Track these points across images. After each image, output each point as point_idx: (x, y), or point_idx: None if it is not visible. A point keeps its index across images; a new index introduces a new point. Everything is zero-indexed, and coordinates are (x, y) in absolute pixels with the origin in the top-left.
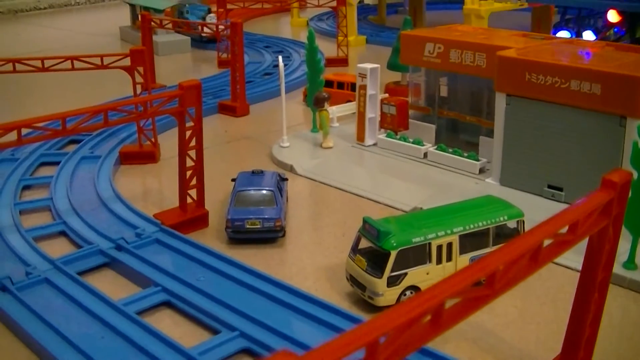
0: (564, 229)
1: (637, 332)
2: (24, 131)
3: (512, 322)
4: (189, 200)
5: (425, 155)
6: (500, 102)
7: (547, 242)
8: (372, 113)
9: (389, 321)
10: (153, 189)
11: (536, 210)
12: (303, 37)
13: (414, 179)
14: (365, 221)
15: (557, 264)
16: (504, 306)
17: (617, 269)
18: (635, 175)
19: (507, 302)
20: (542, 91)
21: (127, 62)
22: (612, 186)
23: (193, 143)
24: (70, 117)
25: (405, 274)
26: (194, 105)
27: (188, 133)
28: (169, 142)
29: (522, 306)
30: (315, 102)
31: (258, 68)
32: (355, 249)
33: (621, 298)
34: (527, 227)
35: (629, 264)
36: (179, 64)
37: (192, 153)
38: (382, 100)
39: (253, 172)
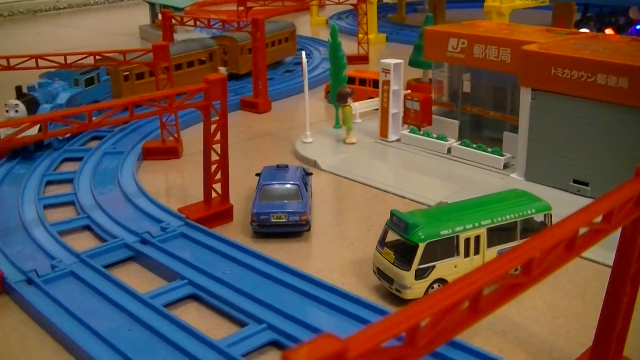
0: (599, 219)
1: None
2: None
3: (541, 316)
4: (213, 194)
5: (449, 150)
6: (526, 96)
7: (582, 232)
8: (396, 109)
9: (428, 307)
10: (176, 184)
11: (562, 205)
12: (322, 36)
13: (438, 174)
14: (393, 214)
15: (585, 258)
16: (533, 300)
17: None
18: None
19: (535, 296)
20: (568, 85)
21: (149, 58)
22: None
23: (218, 137)
24: (95, 111)
25: (433, 266)
26: (219, 98)
27: (213, 127)
28: (191, 138)
29: (551, 300)
30: (339, 98)
31: (279, 66)
32: (382, 242)
33: None
34: (553, 222)
35: None
36: None
37: (217, 148)
38: (405, 96)
39: (278, 166)
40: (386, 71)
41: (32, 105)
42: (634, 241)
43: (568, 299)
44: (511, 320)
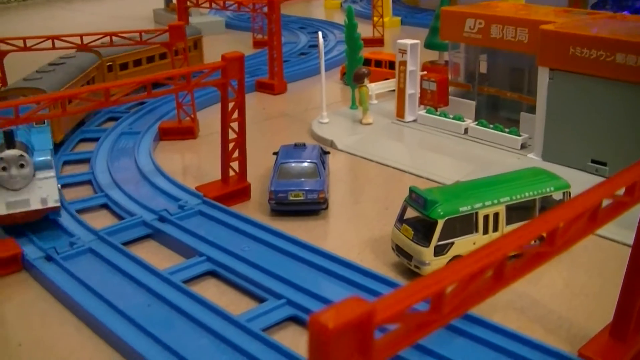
0: (621, 192)
1: None
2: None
3: (560, 293)
4: (231, 173)
5: (466, 131)
6: (543, 76)
7: (604, 205)
8: (412, 89)
9: (453, 273)
10: (193, 163)
11: (580, 185)
12: (337, 19)
13: (455, 154)
14: (412, 190)
15: (604, 237)
16: (551, 277)
17: None
18: None
19: (553, 273)
20: (587, 65)
21: (166, 38)
22: None
23: (235, 116)
24: (114, 88)
25: (452, 243)
26: (237, 77)
27: (230, 105)
28: (207, 120)
29: (569, 278)
30: (355, 78)
31: (294, 48)
32: (401, 219)
33: None
34: None
35: None
36: (214, 45)
37: (234, 126)
38: (422, 77)
39: (295, 144)
40: (403, 51)
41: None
42: None
43: (587, 277)
44: (530, 297)
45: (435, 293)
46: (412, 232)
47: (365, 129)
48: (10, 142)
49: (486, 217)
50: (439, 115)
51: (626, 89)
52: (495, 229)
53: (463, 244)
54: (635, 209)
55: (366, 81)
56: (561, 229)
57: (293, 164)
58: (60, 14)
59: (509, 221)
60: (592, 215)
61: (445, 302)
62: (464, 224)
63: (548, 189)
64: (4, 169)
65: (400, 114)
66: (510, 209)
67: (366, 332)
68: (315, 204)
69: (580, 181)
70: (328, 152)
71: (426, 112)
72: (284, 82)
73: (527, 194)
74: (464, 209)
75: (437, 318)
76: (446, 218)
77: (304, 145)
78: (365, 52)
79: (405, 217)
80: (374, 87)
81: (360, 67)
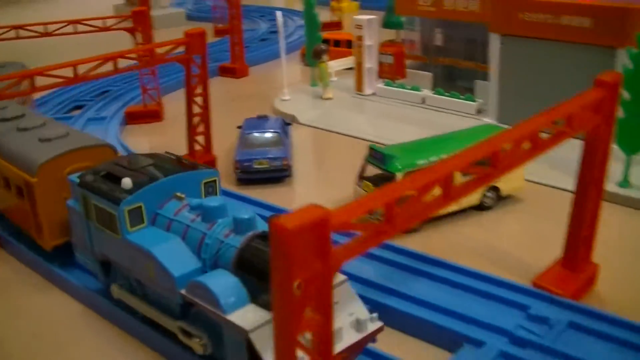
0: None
1: (633, 241)
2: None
3: (517, 238)
4: (197, 147)
5: (424, 100)
6: (495, 42)
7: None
8: (370, 63)
9: (404, 186)
10: (160, 143)
11: None
12: (297, 7)
13: (414, 122)
14: (371, 148)
15: (554, 187)
16: (509, 226)
17: (613, 187)
18: (627, 96)
19: (511, 222)
20: (535, 29)
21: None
22: (604, 85)
23: (199, 90)
24: (81, 65)
25: None
26: (200, 52)
27: (194, 81)
28: (172, 104)
29: (526, 225)
30: (314, 55)
31: (255, 34)
32: (361, 176)
33: (617, 213)
34: None
35: (624, 182)
36: (176, 37)
37: (199, 101)
38: (379, 51)
39: (259, 117)
40: (359, 27)
41: None
42: (595, 148)
43: (541, 222)
44: (491, 243)
45: (387, 203)
46: (373, 187)
47: (326, 104)
48: None
49: None
50: (397, 87)
51: (573, 49)
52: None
53: None
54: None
55: (325, 57)
56: (504, 153)
57: (257, 135)
58: (18, 16)
59: (465, 173)
60: (534, 142)
61: (397, 215)
62: None
63: None
64: None
65: (359, 87)
66: None
67: (322, 235)
68: (279, 171)
69: None
70: (289, 124)
71: (385, 85)
72: (245, 66)
73: None
74: (421, 162)
75: (389, 228)
76: (405, 171)
77: (267, 117)
78: (325, 33)
79: (365, 175)
80: (333, 65)
81: (319, 44)
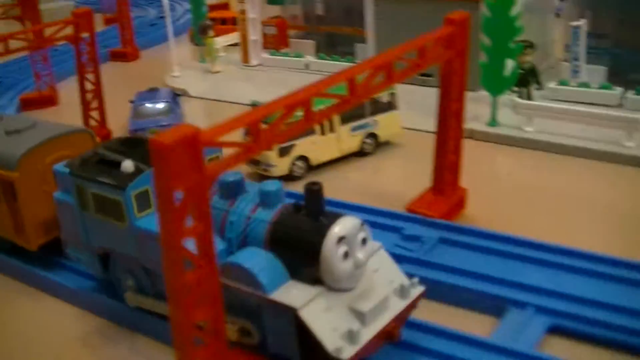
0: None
1: (500, 170)
2: None
3: (395, 177)
4: (92, 122)
5: (307, 66)
6: (369, 6)
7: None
8: (255, 35)
9: (268, 108)
10: None
11: (411, 95)
12: None
13: (299, 85)
14: (253, 103)
15: (429, 132)
16: (386, 167)
17: (483, 127)
18: (488, 41)
19: (388, 165)
20: None
21: None
22: (453, 22)
23: (91, 68)
24: None
25: (294, 145)
26: (88, 31)
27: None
28: (67, 89)
29: (402, 166)
30: (200, 31)
31: (144, 20)
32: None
33: (488, 149)
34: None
35: (492, 122)
36: None
37: (91, 78)
38: (262, 23)
39: (149, 89)
40: (242, 1)
41: None
42: (450, 81)
43: (416, 162)
44: (371, 184)
45: (250, 123)
46: None
47: (216, 77)
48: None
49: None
50: (282, 56)
51: (439, 5)
52: (332, 130)
53: (304, 145)
54: None
55: (210, 33)
56: (361, 82)
57: (148, 105)
58: None
59: (343, 122)
60: (388, 72)
61: (263, 134)
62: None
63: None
64: (346, 254)
65: (246, 59)
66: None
67: (195, 150)
68: None
69: (412, 93)
70: (179, 94)
71: (270, 55)
72: (136, 49)
73: None
74: (298, 114)
75: (254, 146)
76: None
77: (157, 89)
78: (212, 13)
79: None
80: (220, 41)
81: (204, 20)
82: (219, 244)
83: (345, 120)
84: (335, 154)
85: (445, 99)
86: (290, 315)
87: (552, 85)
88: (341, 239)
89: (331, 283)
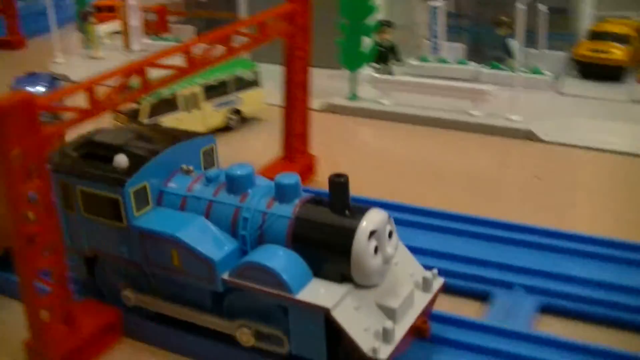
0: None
1: (357, 140)
2: None
3: (256, 150)
4: None
5: None
6: None
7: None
8: (135, 21)
9: (103, 76)
10: None
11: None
12: None
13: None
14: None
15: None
16: (250, 141)
17: (344, 101)
18: (346, 21)
19: (252, 139)
20: None
21: None
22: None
23: None
24: None
25: (159, 122)
26: None
27: None
28: None
29: (264, 140)
30: (81, 17)
31: (31, 9)
32: (117, 111)
33: (348, 123)
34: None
35: (352, 96)
36: None
37: None
38: (143, 9)
39: (28, 74)
40: None
41: None
42: (293, 54)
43: (278, 135)
44: (241, 160)
45: (87, 88)
46: (125, 119)
47: (98, 63)
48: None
49: (186, 98)
50: (162, 41)
51: None
52: (196, 106)
53: (168, 122)
54: None
55: (91, 19)
56: (200, 54)
57: (28, 89)
58: None
59: (208, 98)
60: (227, 45)
61: (100, 100)
62: (168, 105)
63: (237, 71)
64: (376, 249)
65: (127, 45)
66: (207, 90)
67: (31, 114)
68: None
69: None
70: (58, 78)
71: (151, 40)
72: (22, 38)
73: (220, 77)
74: (165, 92)
75: (91, 111)
76: (150, 102)
77: (35, 73)
78: (96, 1)
79: (121, 110)
80: (104, 28)
81: (84, 7)
82: (230, 243)
83: (209, 97)
84: (200, 130)
85: (290, 72)
86: (319, 316)
87: (413, 61)
88: (372, 234)
89: (360, 280)
